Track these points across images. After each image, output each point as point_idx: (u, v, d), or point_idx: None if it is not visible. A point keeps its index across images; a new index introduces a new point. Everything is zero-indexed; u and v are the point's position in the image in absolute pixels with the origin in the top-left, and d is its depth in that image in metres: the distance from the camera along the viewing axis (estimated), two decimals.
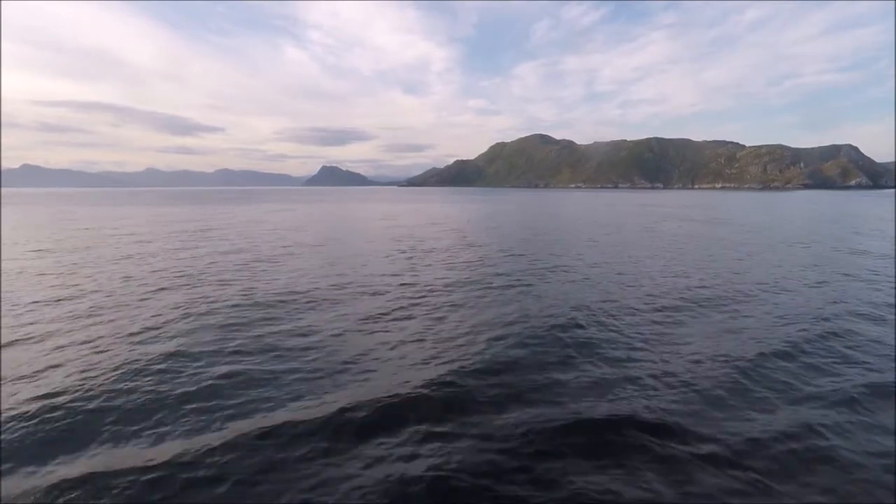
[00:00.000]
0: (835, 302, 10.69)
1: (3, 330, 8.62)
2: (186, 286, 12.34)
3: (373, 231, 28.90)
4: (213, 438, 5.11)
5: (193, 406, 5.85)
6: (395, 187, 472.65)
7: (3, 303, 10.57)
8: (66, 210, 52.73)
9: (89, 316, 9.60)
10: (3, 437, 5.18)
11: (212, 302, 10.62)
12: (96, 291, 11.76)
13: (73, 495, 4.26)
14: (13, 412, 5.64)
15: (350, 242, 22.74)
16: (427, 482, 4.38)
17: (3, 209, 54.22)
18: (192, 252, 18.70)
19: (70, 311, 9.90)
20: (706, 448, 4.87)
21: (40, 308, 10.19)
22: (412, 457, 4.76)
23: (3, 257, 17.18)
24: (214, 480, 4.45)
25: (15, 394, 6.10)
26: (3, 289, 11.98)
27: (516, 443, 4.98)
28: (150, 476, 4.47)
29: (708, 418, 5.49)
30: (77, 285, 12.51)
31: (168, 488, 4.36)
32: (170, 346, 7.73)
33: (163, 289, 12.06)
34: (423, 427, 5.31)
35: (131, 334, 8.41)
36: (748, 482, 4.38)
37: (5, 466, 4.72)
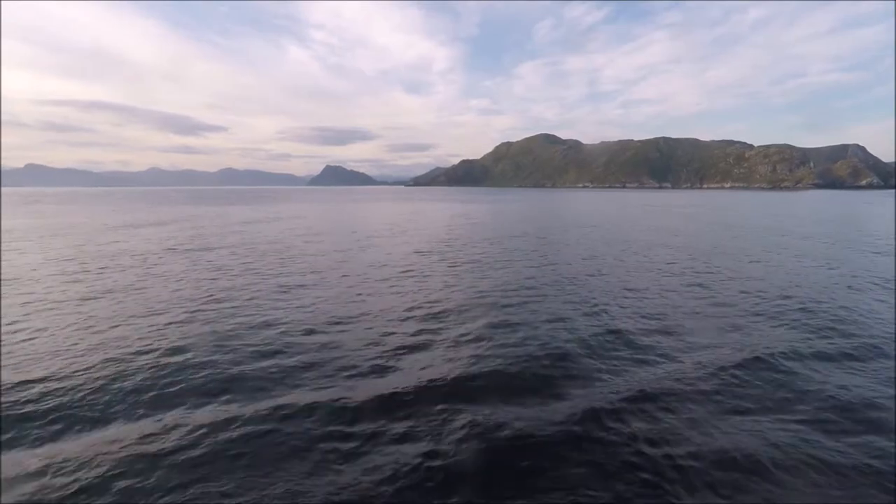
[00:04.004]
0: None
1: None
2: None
3: (424, 225, 31.19)
4: (228, 423, 5.52)
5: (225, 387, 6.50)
6: (402, 187, 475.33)
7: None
8: (122, 209, 55.41)
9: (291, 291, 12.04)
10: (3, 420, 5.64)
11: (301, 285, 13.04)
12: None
13: (71, 479, 4.57)
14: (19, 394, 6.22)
15: (404, 235, 25.08)
16: (431, 476, 4.60)
17: (44, 209, 57.04)
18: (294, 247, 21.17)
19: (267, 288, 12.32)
20: (708, 448, 5.02)
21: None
22: (420, 450, 5.03)
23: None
24: (225, 466, 4.76)
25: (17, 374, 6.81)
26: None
27: (518, 439, 5.23)
28: (150, 462, 4.80)
29: (709, 417, 5.66)
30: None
31: (169, 475, 4.63)
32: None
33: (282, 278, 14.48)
34: (429, 421, 5.61)
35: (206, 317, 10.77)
36: (748, 480, 4.52)
37: (5, 455, 5.02)
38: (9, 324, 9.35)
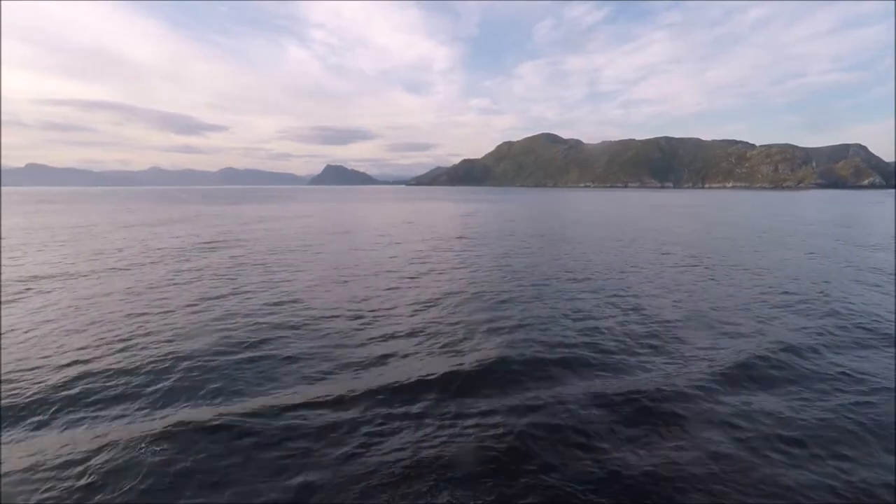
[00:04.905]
0: None
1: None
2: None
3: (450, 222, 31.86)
4: (240, 418, 5.59)
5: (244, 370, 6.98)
6: (403, 186, 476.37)
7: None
8: (133, 209, 56.09)
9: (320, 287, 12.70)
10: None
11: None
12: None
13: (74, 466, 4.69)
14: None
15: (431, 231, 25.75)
16: (462, 454, 4.94)
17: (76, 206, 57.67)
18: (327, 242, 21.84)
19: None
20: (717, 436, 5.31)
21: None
22: (460, 428, 5.49)
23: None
24: (229, 463, 4.79)
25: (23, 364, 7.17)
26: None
27: (551, 417, 5.66)
28: (162, 449, 4.93)
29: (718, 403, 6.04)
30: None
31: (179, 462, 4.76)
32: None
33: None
34: (466, 401, 6.12)
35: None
36: (752, 476, 4.68)
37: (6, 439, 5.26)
38: (68, 317, 10.03)
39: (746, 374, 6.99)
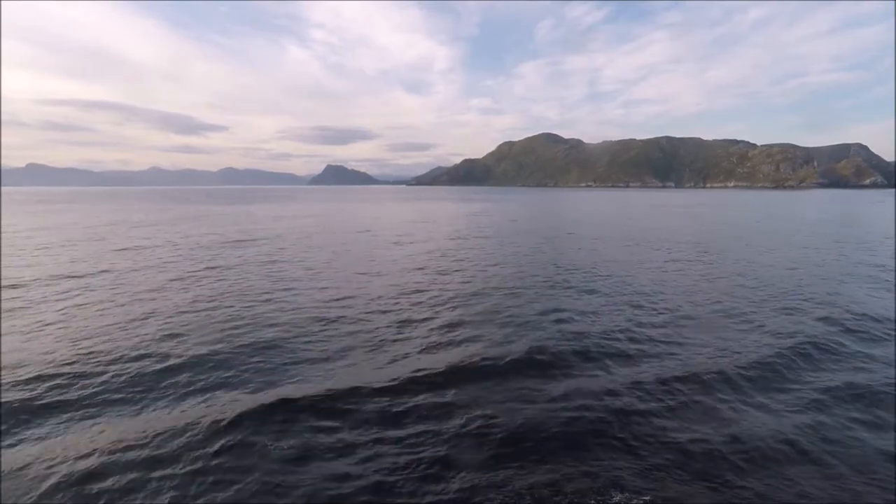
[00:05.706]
0: None
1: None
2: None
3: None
4: (247, 414, 5.71)
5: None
6: (404, 186, 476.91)
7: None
8: (143, 209, 56.65)
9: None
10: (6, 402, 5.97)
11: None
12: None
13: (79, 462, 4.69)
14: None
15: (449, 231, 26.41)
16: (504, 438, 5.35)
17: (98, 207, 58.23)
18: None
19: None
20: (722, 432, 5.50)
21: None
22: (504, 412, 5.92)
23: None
24: (233, 461, 4.82)
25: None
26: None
27: (592, 402, 6.11)
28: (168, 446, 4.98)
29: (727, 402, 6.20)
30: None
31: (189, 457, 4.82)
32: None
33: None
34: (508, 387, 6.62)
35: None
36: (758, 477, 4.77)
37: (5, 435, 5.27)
38: (120, 308, 10.73)
39: (765, 366, 7.45)
